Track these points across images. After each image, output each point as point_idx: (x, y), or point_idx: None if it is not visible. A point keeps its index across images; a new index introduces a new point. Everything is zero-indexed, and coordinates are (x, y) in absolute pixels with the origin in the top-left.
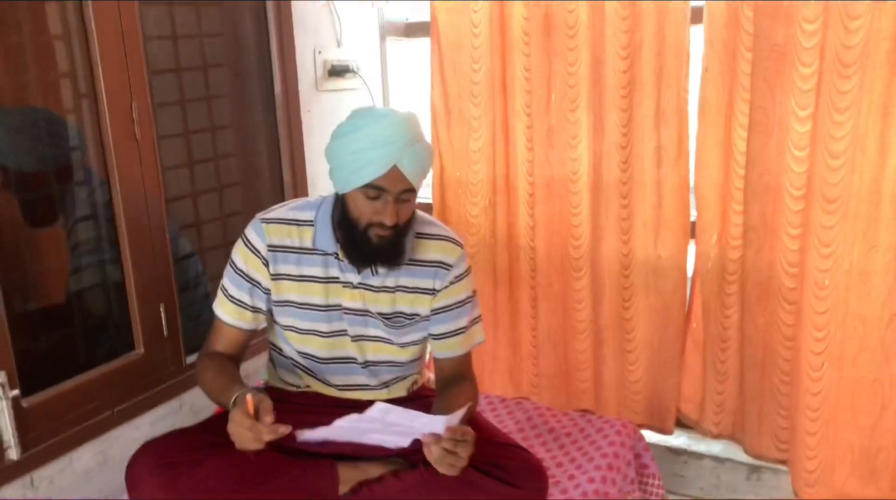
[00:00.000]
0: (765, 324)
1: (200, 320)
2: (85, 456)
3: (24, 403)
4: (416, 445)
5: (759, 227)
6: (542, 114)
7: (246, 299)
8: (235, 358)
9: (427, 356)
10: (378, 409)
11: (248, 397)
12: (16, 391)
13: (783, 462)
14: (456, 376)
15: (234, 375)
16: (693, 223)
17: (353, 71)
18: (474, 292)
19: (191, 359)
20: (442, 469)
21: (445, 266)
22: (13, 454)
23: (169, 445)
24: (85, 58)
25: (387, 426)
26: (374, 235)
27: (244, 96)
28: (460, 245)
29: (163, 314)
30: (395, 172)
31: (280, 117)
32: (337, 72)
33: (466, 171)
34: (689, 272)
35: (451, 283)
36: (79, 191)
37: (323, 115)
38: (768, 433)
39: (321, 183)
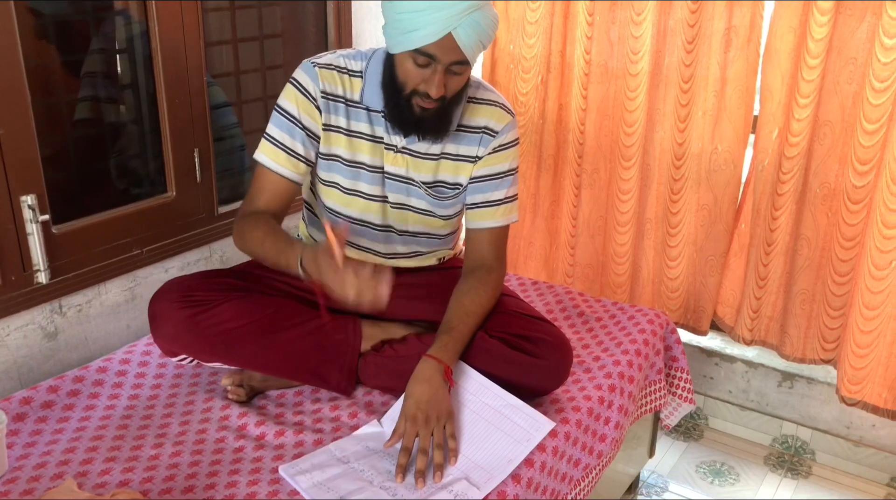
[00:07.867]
0: (827, 225)
1: (234, 173)
2: (113, 290)
3: (55, 229)
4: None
5: (836, 121)
6: None
7: (299, 148)
8: (279, 216)
9: (462, 231)
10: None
11: (332, 231)
12: (46, 216)
13: (827, 362)
14: (484, 260)
15: (288, 236)
16: (755, 117)
17: None
18: (517, 168)
19: (223, 209)
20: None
21: (491, 132)
22: (42, 277)
23: (193, 284)
24: None
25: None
26: (417, 105)
27: None
28: (511, 113)
29: (196, 159)
30: (448, 41)
31: None
32: None
33: (520, 44)
34: (745, 169)
35: (495, 150)
36: (118, 23)
37: None
38: (814, 336)
39: (367, 44)
